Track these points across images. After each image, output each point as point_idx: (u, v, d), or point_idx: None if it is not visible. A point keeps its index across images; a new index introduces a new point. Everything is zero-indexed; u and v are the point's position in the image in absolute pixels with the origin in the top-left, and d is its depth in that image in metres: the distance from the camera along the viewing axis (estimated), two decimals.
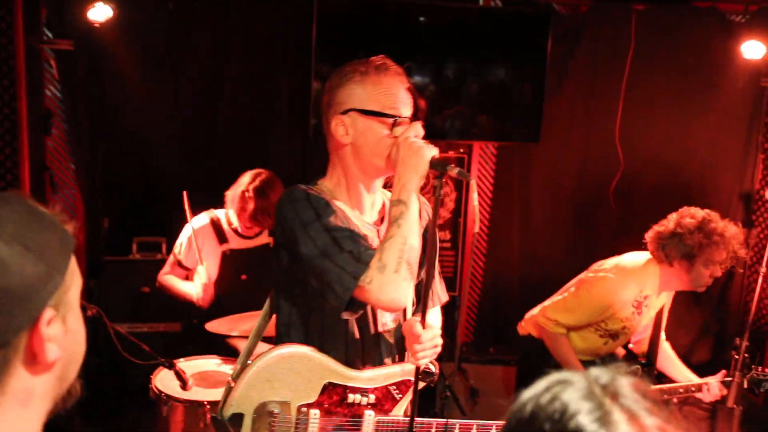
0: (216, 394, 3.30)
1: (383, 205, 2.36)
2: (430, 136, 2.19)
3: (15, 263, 0.94)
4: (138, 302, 4.61)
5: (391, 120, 2.16)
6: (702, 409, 4.57)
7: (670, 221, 3.47)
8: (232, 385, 2.21)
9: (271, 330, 2.41)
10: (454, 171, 2.05)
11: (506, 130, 5.15)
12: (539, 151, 5.31)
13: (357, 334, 2.27)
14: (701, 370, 4.83)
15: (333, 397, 2.21)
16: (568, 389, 0.87)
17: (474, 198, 2.00)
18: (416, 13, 4.89)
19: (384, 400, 2.28)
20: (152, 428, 3.39)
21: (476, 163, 5.38)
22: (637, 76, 5.16)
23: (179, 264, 4.12)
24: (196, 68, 5.08)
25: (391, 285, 2.04)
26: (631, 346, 3.80)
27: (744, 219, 5.31)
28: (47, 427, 1.04)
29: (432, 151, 2.09)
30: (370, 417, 2.25)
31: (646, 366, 3.69)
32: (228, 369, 3.57)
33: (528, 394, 0.90)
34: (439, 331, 2.22)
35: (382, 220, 2.32)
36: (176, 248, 4.12)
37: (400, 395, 2.30)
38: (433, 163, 2.08)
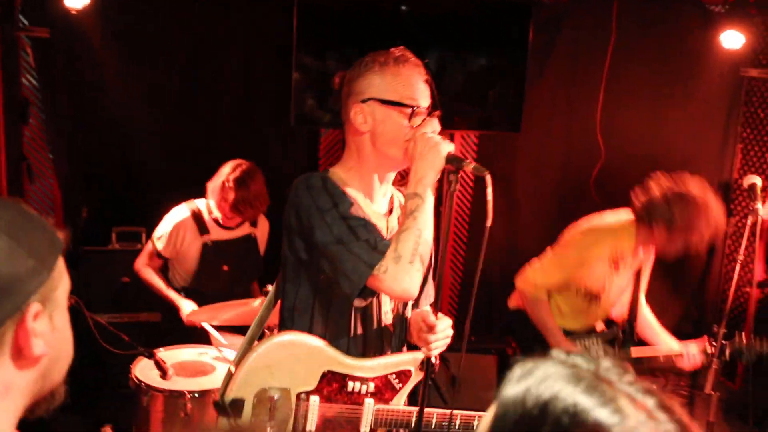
0: (196, 383, 3.30)
1: (392, 198, 2.40)
2: None
3: (3, 254, 0.97)
4: (118, 292, 4.58)
5: (409, 110, 2.20)
6: (679, 395, 4.62)
7: (662, 185, 3.49)
8: (233, 370, 2.25)
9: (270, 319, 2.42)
10: (470, 166, 2.09)
11: (487, 120, 5.15)
12: (520, 141, 5.32)
13: (360, 324, 2.30)
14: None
15: (332, 384, 2.24)
16: (559, 381, 0.86)
17: (489, 192, 2.03)
18: (398, 2, 4.87)
19: (384, 389, 2.30)
20: (132, 418, 3.37)
21: (457, 152, 5.37)
22: (618, 65, 5.18)
23: (158, 254, 4.10)
24: (175, 56, 5.04)
25: (406, 275, 2.09)
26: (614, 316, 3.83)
27: (723, 208, 5.34)
28: (26, 422, 1.05)
29: (448, 147, 2.14)
30: (369, 405, 2.28)
31: (626, 333, 3.72)
32: (208, 359, 3.56)
33: (520, 385, 0.89)
34: (450, 322, 2.25)
35: (390, 212, 2.36)
36: (155, 237, 4.09)
37: (401, 385, 2.32)
38: (449, 159, 2.12)
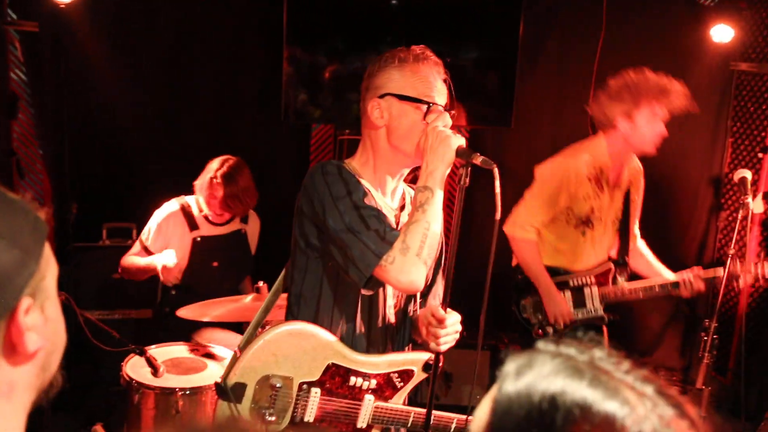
0: (188, 381, 3.28)
1: (404, 194, 2.41)
2: None
3: None
4: (108, 289, 4.55)
5: (425, 106, 2.22)
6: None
7: (604, 88, 3.59)
8: (238, 355, 2.25)
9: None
10: (478, 159, 2.10)
11: (478, 114, 5.14)
12: (511, 135, 5.31)
13: (366, 315, 2.32)
14: (672, 353, 4.92)
15: (335, 378, 2.25)
16: (562, 376, 0.86)
17: (497, 185, 2.04)
18: None
19: (385, 386, 2.31)
20: (123, 416, 3.35)
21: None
22: (609, 59, 5.16)
23: (145, 249, 4.07)
24: (164, 50, 5.01)
25: (412, 267, 2.11)
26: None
27: (713, 203, 5.37)
28: None
29: (459, 141, 2.16)
30: (369, 402, 2.28)
31: (619, 265, 3.72)
32: (200, 356, 3.55)
33: (520, 381, 0.88)
34: (459, 317, 2.25)
35: (402, 209, 2.38)
36: (144, 234, 4.07)
37: (402, 384, 2.32)
38: (459, 152, 2.14)
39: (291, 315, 2.33)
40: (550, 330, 3.64)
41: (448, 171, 2.17)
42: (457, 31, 4.92)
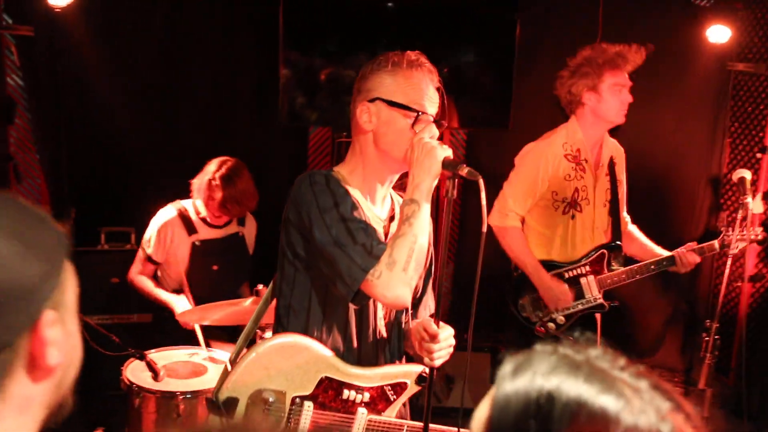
0: (188, 384, 3.27)
1: (393, 204, 2.38)
2: None
3: (13, 260, 0.90)
4: (107, 293, 4.53)
5: (414, 114, 2.18)
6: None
7: (568, 65, 3.67)
8: (230, 368, 2.22)
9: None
10: (464, 170, 2.07)
11: (476, 116, 5.13)
12: (510, 137, 5.30)
13: (356, 328, 2.28)
14: (673, 354, 4.91)
15: (328, 391, 2.22)
16: (559, 373, 0.88)
17: (482, 197, 2.01)
18: None
19: (378, 399, 2.27)
20: (125, 420, 3.34)
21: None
22: None
23: (149, 259, 4.06)
24: (161, 53, 5.00)
25: (398, 282, 2.08)
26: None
27: (712, 203, 5.37)
28: None
29: (445, 152, 2.12)
30: (362, 415, 2.25)
31: (612, 249, 3.69)
32: (199, 360, 3.54)
33: (519, 380, 0.90)
34: (452, 331, 2.23)
35: (391, 219, 2.34)
36: (145, 243, 4.06)
37: (395, 397, 2.29)
38: (446, 164, 2.11)
39: (281, 327, 2.30)
40: (552, 326, 3.60)
41: (435, 183, 2.15)
42: (454, 33, 4.92)
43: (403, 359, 2.43)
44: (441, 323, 2.19)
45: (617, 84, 3.57)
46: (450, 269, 5.48)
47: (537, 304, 3.67)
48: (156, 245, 4.00)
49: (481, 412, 0.94)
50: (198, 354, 3.59)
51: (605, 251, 3.67)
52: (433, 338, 2.16)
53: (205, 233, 4.08)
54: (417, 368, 2.31)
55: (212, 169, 3.94)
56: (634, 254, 3.77)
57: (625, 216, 3.83)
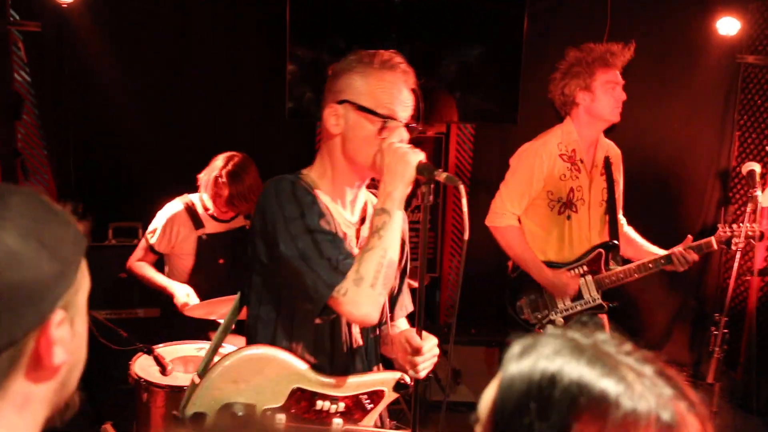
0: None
1: (365, 205, 2.29)
2: None
3: (29, 258, 0.90)
4: (115, 288, 4.54)
5: (381, 120, 2.07)
6: None
7: (559, 67, 3.67)
8: (197, 382, 2.12)
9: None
10: (442, 176, 1.98)
11: (483, 111, 5.12)
12: (518, 132, 5.28)
13: (328, 338, 2.19)
14: (682, 348, 4.89)
15: (301, 402, 2.12)
16: (562, 355, 0.88)
17: (464, 204, 1.93)
18: None
19: (354, 409, 2.18)
20: (133, 415, 3.35)
21: (454, 143, 5.35)
22: None
23: (151, 249, 4.06)
24: (167, 49, 5.00)
25: (366, 299, 1.98)
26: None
27: (721, 196, 5.34)
28: None
29: (418, 156, 2.02)
30: (338, 426, 2.15)
31: (609, 249, 3.68)
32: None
33: (524, 361, 0.90)
34: (436, 341, 2.16)
35: (362, 221, 2.25)
36: (149, 233, 4.06)
37: (372, 405, 2.21)
38: (420, 169, 2.01)
39: (249, 338, 2.21)
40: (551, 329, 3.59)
41: (409, 190, 2.03)
42: (461, 27, 4.90)
43: (380, 366, 2.34)
44: (424, 333, 2.11)
45: (610, 81, 3.56)
46: (458, 260, 5.48)
47: (535, 305, 3.66)
48: (160, 236, 4.00)
49: (488, 395, 0.94)
50: (206, 348, 3.58)
51: (602, 251, 3.66)
52: (417, 352, 2.08)
53: (211, 227, 4.08)
54: (394, 375, 2.23)
55: (219, 164, 3.92)
56: (631, 256, 3.75)
57: (621, 218, 3.81)
